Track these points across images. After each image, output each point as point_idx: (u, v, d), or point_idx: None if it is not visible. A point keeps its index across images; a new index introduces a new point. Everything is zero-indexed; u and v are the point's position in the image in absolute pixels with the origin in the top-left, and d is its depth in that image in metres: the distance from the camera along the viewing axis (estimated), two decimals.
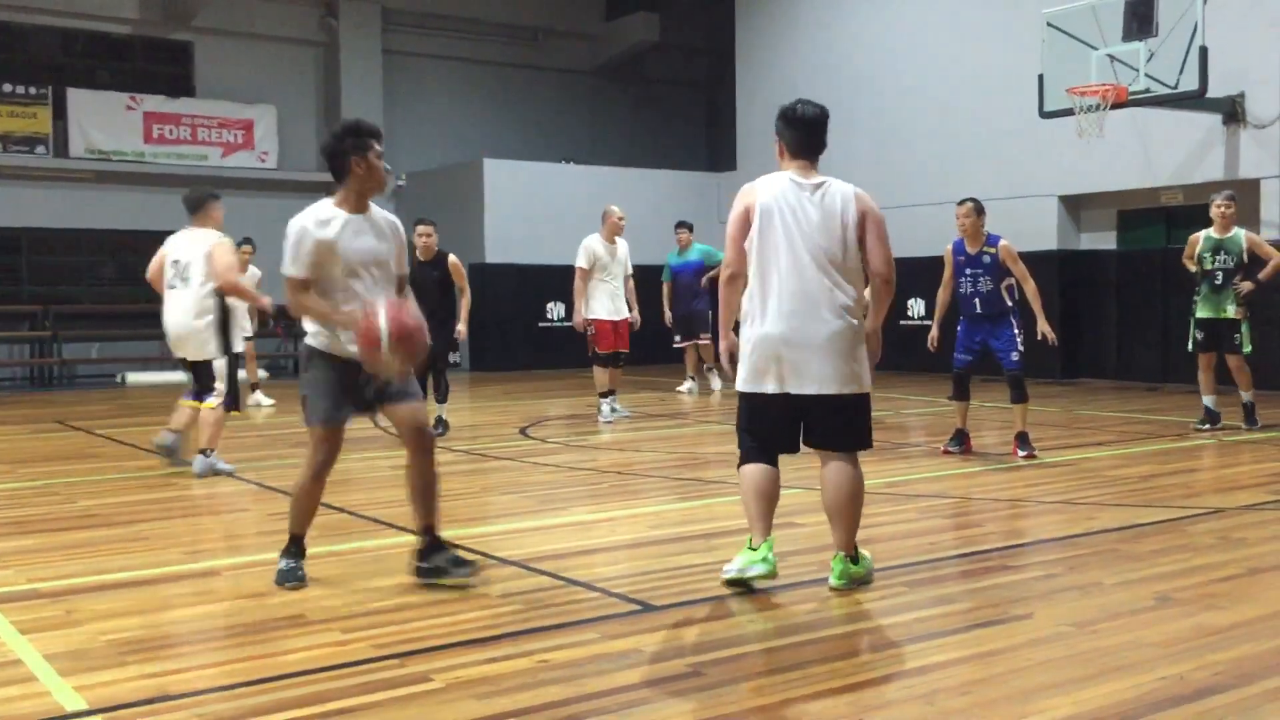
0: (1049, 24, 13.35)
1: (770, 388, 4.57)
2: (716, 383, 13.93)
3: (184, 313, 7.92)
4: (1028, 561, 5.14)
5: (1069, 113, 13.01)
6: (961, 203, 8.39)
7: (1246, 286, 9.37)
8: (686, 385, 13.92)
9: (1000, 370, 8.26)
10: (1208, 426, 9.54)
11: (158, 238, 19.23)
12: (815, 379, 4.52)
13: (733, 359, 4.78)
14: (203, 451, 7.89)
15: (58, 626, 4.22)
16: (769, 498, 4.66)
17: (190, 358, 8.00)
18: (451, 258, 9.88)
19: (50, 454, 9.31)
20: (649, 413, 11.96)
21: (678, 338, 13.89)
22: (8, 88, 17.67)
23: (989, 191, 16.52)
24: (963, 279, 8.28)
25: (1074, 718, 3.20)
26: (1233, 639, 3.90)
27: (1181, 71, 12.25)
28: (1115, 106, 12.68)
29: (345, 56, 20.16)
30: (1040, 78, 13.43)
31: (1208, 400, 9.64)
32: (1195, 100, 12.56)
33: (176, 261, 8.06)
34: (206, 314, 7.87)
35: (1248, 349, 9.44)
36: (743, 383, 4.67)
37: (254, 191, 19.57)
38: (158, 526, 6.14)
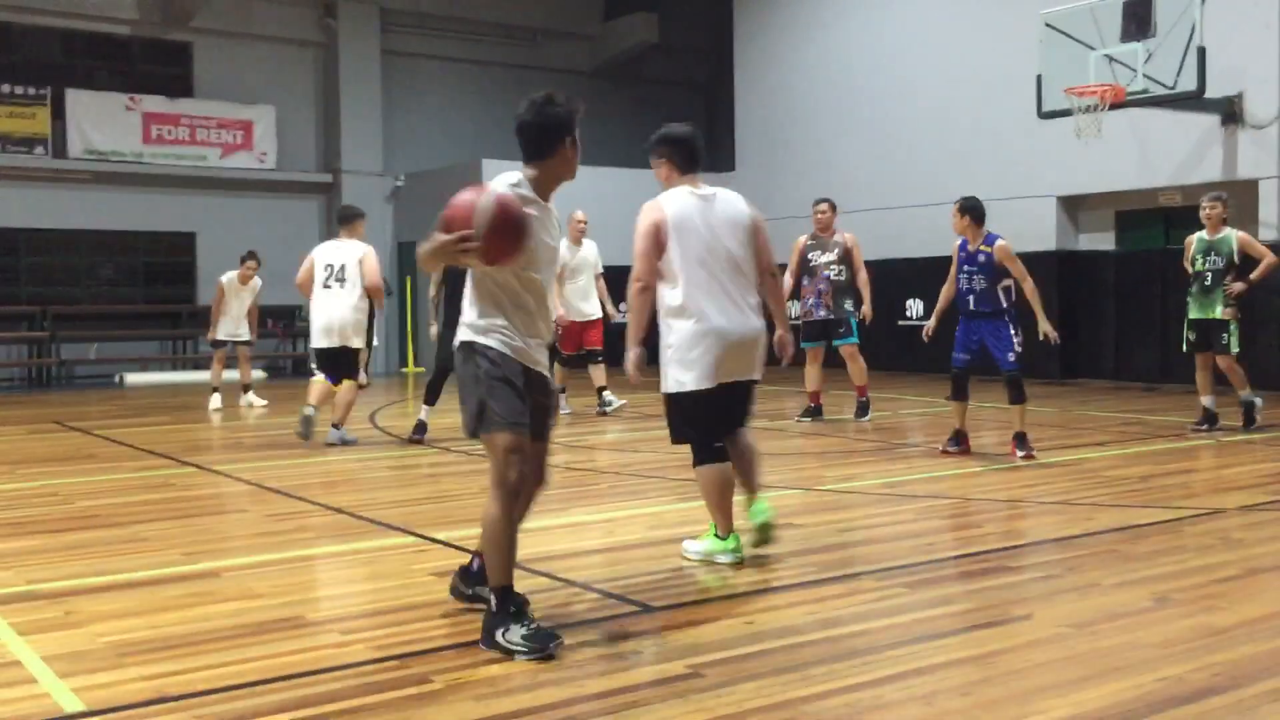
0: (1047, 24, 13.36)
1: (715, 380, 4.94)
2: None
3: (346, 308, 9.29)
4: (1026, 562, 5.15)
5: (1067, 113, 13.02)
6: (957, 201, 8.41)
7: (1238, 287, 9.38)
8: None
9: (998, 371, 8.26)
10: (1205, 427, 9.54)
11: (157, 238, 19.50)
12: (748, 368, 5.05)
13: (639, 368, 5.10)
14: (335, 425, 9.43)
15: (57, 628, 4.22)
16: (731, 490, 5.08)
17: (346, 345, 9.32)
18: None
19: (48, 455, 9.31)
20: (647, 413, 11.96)
21: None
22: (6, 88, 17.67)
23: (987, 192, 16.50)
24: (961, 275, 8.32)
25: (1073, 719, 3.20)
26: (1231, 640, 3.90)
27: (1179, 72, 12.26)
28: (1113, 107, 12.70)
29: (344, 57, 20.15)
30: (1038, 78, 13.45)
31: (1205, 400, 9.65)
32: (1193, 101, 12.57)
33: (330, 265, 9.39)
34: (361, 310, 9.33)
35: (1235, 350, 9.43)
36: (695, 381, 4.93)
37: (253, 192, 19.60)
38: (157, 527, 6.14)
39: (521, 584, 4.81)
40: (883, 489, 7.05)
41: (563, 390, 11.65)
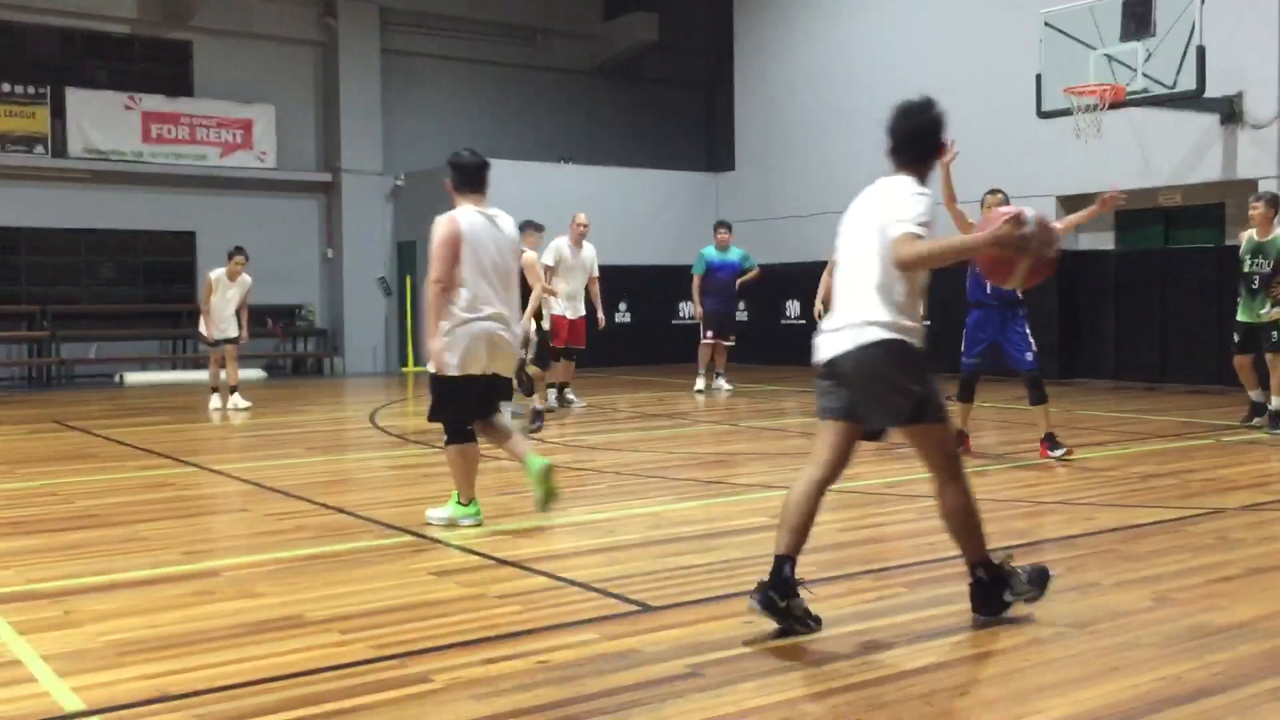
0: (1047, 24, 13.36)
1: (480, 371, 5.83)
2: (726, 385, 13.95)
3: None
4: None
5: (1067, 113, 13.02)
6: (992, 191, 8.29)
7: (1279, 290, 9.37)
8: (701, 384, 13.97)
9: (1011, 372, 8.14)
10: (1255, 420, 9.58)
11: (156, 238, 19.50)
12: (506, 365, 5.96)
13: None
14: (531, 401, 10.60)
15: (56, 627, 4.22)
16: (475, 465, 6.04)
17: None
18: (528, 253, 10.31)
19: (48, 454, 9.31)
20: (646, 413, 11.97)
21: (709, 334, 13.92)
22: (6, 87, 17.65)
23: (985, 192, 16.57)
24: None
25: (1072, 718, 3.20)
26: (1231, 639, 3.90)
27: (1179, 71, 12.26)
28: (1113, 106, 12.69)
29: (344, 56, 20.14)
30: (1038, 77, 13.44)
31: (1253, 394, 9.67)
32: (1193, 100, 12.57)
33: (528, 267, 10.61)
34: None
35: None
36: (456, 368, 5.78)
37: (253, 191, 19.59)
38: (156, 527, 6.14)
39: (521, 583, 4.83)
40: (882, 489, 7.05)
41: (566, 385, 12.08)
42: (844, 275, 4.23)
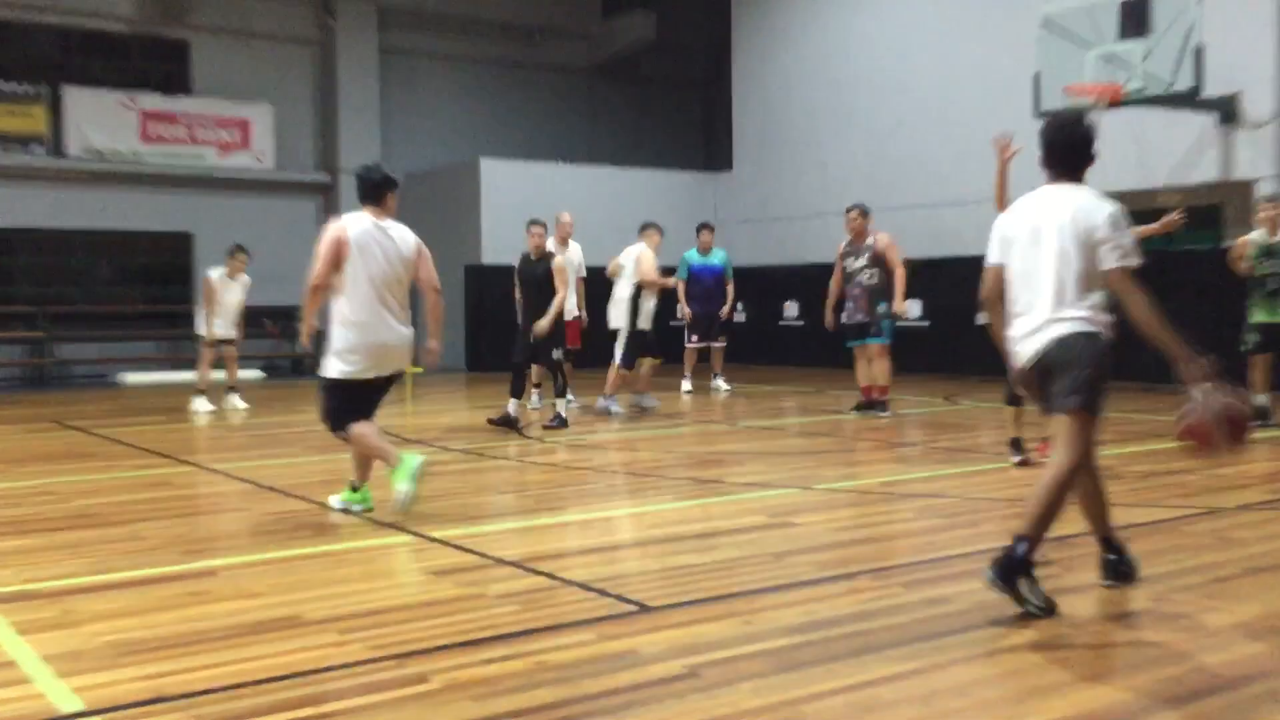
0: (1044, 23, 13.36)
1: (370, 374, 6.19)
2: (725, 385, 13.89)
3: (620, 300, 11.53)
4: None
5: None
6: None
7: None
8: (687, 385, 13.89)
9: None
10: (1257, 422, 9.58)
11: (154, 237, 19.48)
12: (395, 363, 6.29)
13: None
14: (602, 395, 11.41)
15: (54, 627, 4.22)
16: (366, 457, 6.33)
17: (612, 326, 11.56)
18: (558, 258, 10.44)
19: (46, 453, 9.30)
20: (645, 413, 11.96)
21: (694, 337, 13.85)
22: (4, 86, 17.65)
23: (985, 193, 16.45)
24: None
25: (1070, 719, 3.20)
26: (1229, 640, 3.90)
27: (1177, 71, 12.26)
28: (1111, 106, 12.69)
29: (342, 55, 20.14)
30: (1036, 76, 13.44)
31: (1260, 398, 9.69)
32: (1191, 100, 12.57)
33: (622, 265, 11.57)
34: (621, 300, 11.50)
35: None
36: (346, 372, 6.13)
37: (251, 191, 19.59)
38: (154, 526, 6.13)
39: (519, 582, 4.82)
40: (880, 488, 7.05)
41: (539, 386, 12.08)
42: (1039, 275, 4.41)
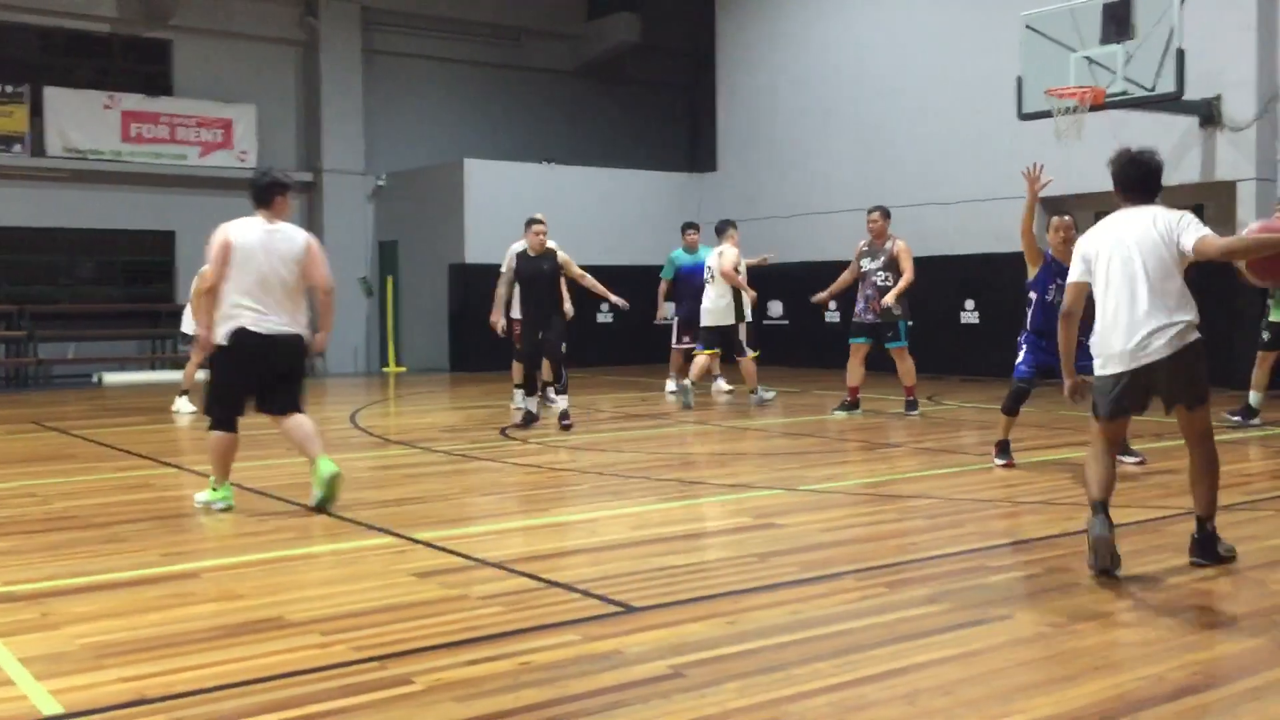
0: (1027, 26, 13.41)
1: (251, 373, 6.45)
2: (725, 385, 13.85)
3: (718, 297, 12.25)
4: (1008, 561, 5.16)
5: (1047, 115, 13.06)
6: (1060, 213, 7.96)
7: None
8: (672, 385, 13.80)
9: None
10: (1238, 419, 9.67)
11: (135, 237, 19.37)
12: (286, 359, 6.52)
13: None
14: (753, 391, 12.38)
15: (34, 629, 4.19)
16: (231, 454, 6.60)
17: (720, 324, 12.23)
18: (561, 253, 10.44)
19: (26, 455, 9.24)
20: (630, 413, 11.97)
21: (685, 338, 13.77)
22: None
23: (969, 194, 16.61)
24: (1051, 288, 7.80)
25: (1054, 718, 3.21)
26: (1211, 638, 3.92)
27: (1159, 74, 12.32)
28: (1093, 108, 12.75)
29: (325, 56, 20.06)
30: (1019, 80, 13.49)
31: (1254, 396, 9.78)
32: (1172, 103, 12.64)
33: (709, 267, 12.47)
34: (725, 297, 12.20)
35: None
36: (234, 370, 6.44)
37: (233, 191, 19.44)
38: (136, 528, 6.10)
39: (503, 584, 4.81)
40: (865, 489, 7.06)
41: (550, 384, 11.97)
42: (1133, 290, 4.89)
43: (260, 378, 6.48)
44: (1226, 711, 3.26)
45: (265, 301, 6.40)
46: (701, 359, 12.29)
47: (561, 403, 10.46)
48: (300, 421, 6.60)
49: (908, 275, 10.88)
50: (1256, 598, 4.49)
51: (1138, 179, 5.19)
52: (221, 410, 6.53)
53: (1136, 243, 4.93)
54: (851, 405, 11.14)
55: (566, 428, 10.19)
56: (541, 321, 10.36)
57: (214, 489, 6.58)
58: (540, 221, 10.59)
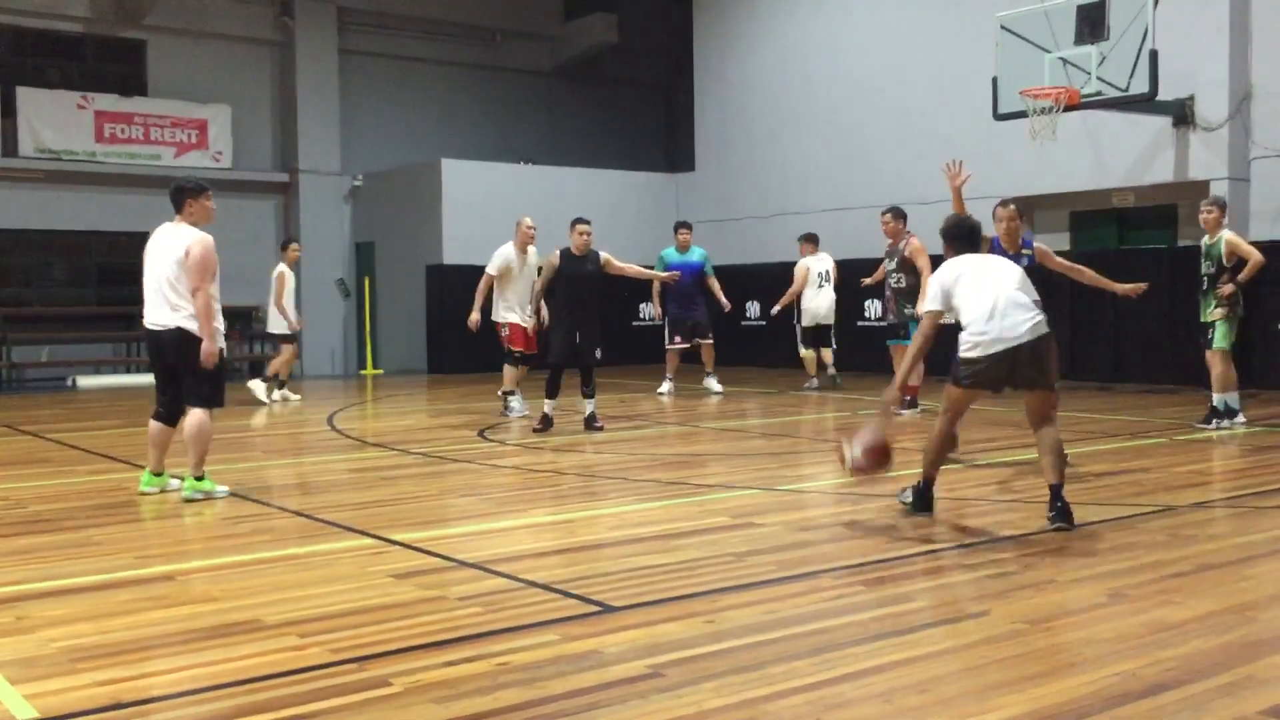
0: (1002, 27, 13.49)
1: (153, 361, 7.08)
2: (717, 385, 13.90)
3: (831, 301, 14.12)
4: (982, 560, 5.19)
5: (1022, 115, 13.15)
6: (1004, 203, 8.10)
7: (1226, 289, 9.60)
8: (666, 387, 13.84)
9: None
10: (1214, 423, 9.78)
11: (109, 238, 19.29)
12: (170, 354, 6.91)
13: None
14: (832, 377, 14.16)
15: (7, 633, 4.15)
16: (161, 443, 7.19)
17: (824, 323, 14.17)
18: (603, 254, 10.36)
19: None
20: (607, 414, 11.96)
21: (676, 338, 13.87)
22: None
23: (944, 194, 16.64)
24: None
25: (1029, 714, 3.23)
26: (1184, 635, 3.95)
27: (1132, 75, 12.42)
28: (1068, 109, 12.84)
29: (301, 56, 19.98)
30: (994, 80, 13.57)
31: (1216, 398, 9.88)
32: (1146, 103, 12.74)
33: (821, 272, 14.08)
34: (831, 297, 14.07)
35: (1218, 345, 9.66)
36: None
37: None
38: (109, 531, 6.06)
39: (481, 584, 4.81)
40: (841, 488, 7.08)
41: (512, 393, 11.78)
42: (998, 291, 5.87)
43: (158, 371, 7.11)
44: (1199, 708, 3.29)
45: (151, 299, 6.90)
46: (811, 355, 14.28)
47: (589, 406, 10.41)
48: (190, 422, 6.97)
49: (926, 274, 10.79)
50: (1229, 594, 4.53)
51: (969, 236, 6.29)
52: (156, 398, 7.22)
53: (996, 263, 6.14)
54: (910, 404, 11.17)
55: (599, 429, 10.19)
56: (585, 325, 10.22)
57: (155, 473, 7.22)
58: (585, 222, 10.45)
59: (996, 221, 8.02)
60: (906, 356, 6.34)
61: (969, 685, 3.50)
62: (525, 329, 11.46)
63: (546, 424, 10.19)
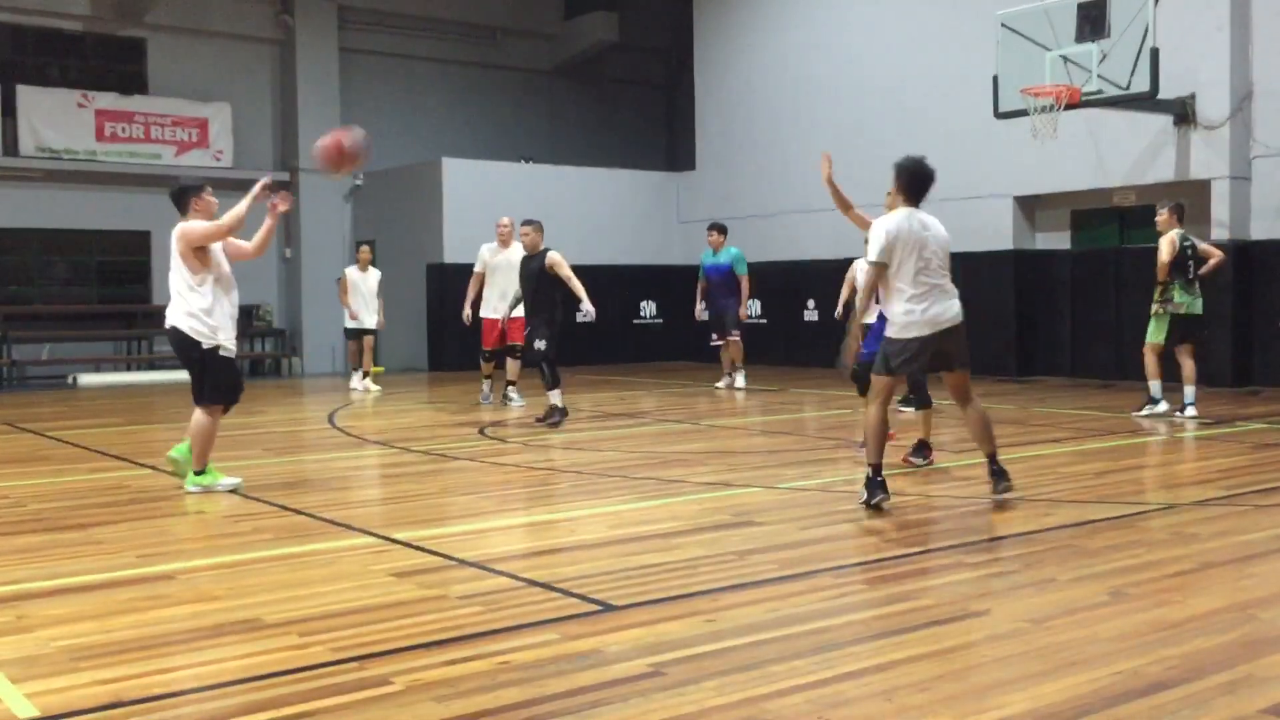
0: (1003, 25, 13.48)
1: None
2: (740, 380, 14.20)
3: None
4: (984, 558, 5.19)
5: (1023, 113, 13.14)
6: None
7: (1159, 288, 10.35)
8: (724, 381, 14.42)
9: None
10: (1176, 413, 10.30)
11: (109, 237, 19.25)
12: (177, 350, 7.12)
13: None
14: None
15: (9, 632, 4.15)
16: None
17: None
18: (551, 254, 10.76)
19: (0, 457, 9.16)
20: (607, 412, 11.96)
21: (713, 336, 14.62)
22: None
23: (945, 192, 16.50)
24: None
25: (1030, 713, 3.23)
26: (1185, 633, 3.95)
27: (1133, 73, 12.41)
28: (1069, 107, 12.83)
29: (301, 54, 19.97)
30: (995, 79, 13.56)
31: (1188, 391, 10.45)
32: (1146, 101, 12.73)
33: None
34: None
35: (1150, 340, 10.46)
36: None
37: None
38: (111, 530, 6.06)
39: (482, 583, 4.81)
40: (842, 486, 7.08)
41: (513, 383, 12.40)
42: (916, 272, 6.18)
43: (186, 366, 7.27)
44: (1201, 707, 3.29)
45: (172, 286, 7.21)
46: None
47: (553, 398, 10.65)
48: (193, 417, 7.13)
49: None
50: (1231, 592, 4.53)
51: (924, 185, 6.56)
52: None
53: (933, 238, 6.28)
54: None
55: (553, 424, 10.43)
56: (528, 319, 10.95)
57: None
58: (528, 223, 10.96)
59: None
60: (859, 299, 6.75)
61: (970, 684, 3.49)
62: (496, 322, 12.18)
63: (558, 413, 10.56)
